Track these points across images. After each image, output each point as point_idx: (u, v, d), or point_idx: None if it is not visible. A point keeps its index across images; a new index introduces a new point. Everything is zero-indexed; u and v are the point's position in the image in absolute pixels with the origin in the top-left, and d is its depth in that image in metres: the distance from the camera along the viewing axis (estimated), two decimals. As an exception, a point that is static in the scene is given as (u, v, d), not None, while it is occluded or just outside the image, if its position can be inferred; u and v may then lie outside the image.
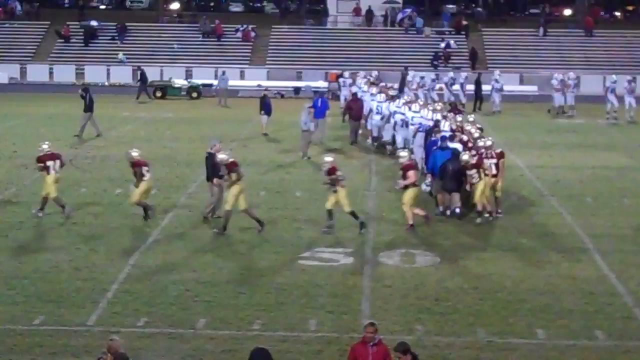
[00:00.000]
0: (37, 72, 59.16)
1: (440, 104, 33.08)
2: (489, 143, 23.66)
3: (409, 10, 66.78)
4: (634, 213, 24.36)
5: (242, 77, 58.52)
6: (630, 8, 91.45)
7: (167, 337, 15.31)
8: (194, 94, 51.00)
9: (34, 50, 62.68)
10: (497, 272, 19.01)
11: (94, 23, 64.58)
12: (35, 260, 19.44)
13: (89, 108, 35.84)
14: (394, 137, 31.73)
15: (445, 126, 26.65)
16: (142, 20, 68.16)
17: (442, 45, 61.32)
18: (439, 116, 28.44)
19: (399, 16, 65.84)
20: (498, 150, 23.72)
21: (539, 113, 45.56)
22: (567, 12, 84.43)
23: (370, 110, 34.01)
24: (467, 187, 23.16)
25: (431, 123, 27.99)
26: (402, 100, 32.52)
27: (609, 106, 43.12)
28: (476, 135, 25.06)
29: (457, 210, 23.14)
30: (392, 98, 33.70)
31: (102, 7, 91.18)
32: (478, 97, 46.09)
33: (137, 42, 63.93)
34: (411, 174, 21.86)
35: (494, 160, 23.31)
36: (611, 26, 69.05)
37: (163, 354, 14.68)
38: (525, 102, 49.47)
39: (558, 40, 63.45)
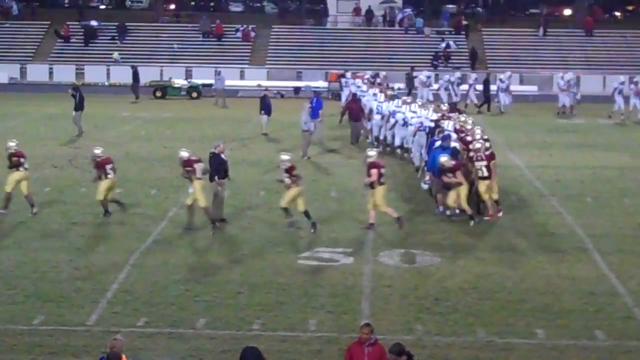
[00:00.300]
0: (37, 72, 59.14)
1: (445, 104, 33.08)
2: (477, 146, 23.43)
3: (408, 10, 66.78)
4: (634, 213, 24.36)
5: (242, 77, 58.50)
6: (630, 8, 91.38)
7: (167, 337, 15.32)
8: (194, 94, 51.02)
9: (33, 50, 62.65)
10: (497, 272, 19.02)
11: (94, 23, 64.55)
12: (35, 260, 19.45)
13: (79, 106, 35.97)
14: (393, 136, 31.79)
15: (449, 126, 26.65)
16: (142, 20, 68.12)
17: (443, 45, 61.31)
18: (434, 116, 28.45)
19: (399, 16, 65.83)
20: (488, 152, 23.51)
21: (539, 113, 45.56)
22: (567, 12, 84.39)
23: (371, 110, 34.04)
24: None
25: (430, 123, 28.02)
26: (400, 100, 32.55)
27: (616, 107, 42.98)
28: (478, 136, 24.99)
29: (458, 210, 23.13)
30: (391, 98, 33.73)
31: (102, 7, 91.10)
32: (486, 97, 45.97)
33: (137, 42, 63.92)
34: (373, 172, 21.87)
35: (484, 163, 23.14)
36: (611, 26, 68.98)
37: (163, 354, 14.69)
38: (525, 102, 49.45)
39: (558, 40, 63.43)
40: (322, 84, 53.18)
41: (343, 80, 46.17)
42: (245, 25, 64.42)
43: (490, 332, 15.70)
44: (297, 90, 52.18)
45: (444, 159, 22.72)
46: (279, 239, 21.38)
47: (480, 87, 46.49)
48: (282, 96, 50.68)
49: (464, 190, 22.50)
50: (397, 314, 16.55)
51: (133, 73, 49.81)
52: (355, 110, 35.06)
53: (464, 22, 65.27)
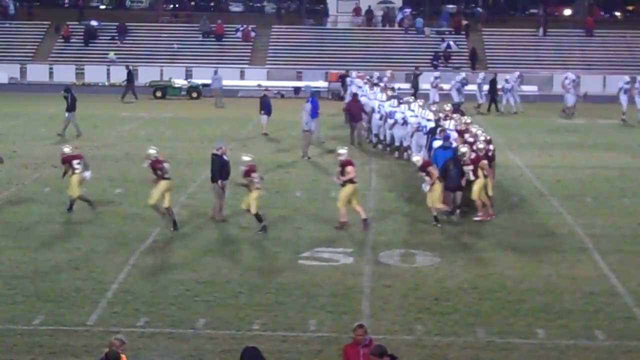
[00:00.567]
0: (37, 72, 59.12)
1: (449, 105, 33.04)
2: (463, 150, 23.45)
3: (408, 11, 66.77)
4: (634, 213, 24.36)
5: (242, 77, 58.49)
6: (630, 8, 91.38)
7: (167, 337, 15.32)
8: (194, 94, 51.01)
9: (34, 50, 62.64)
10: (497, 272, 19.02)
11: (94, 23, 64.51)
12: (35, 260, 19.45)
13: (71, 107, 36.06)
14: (392, 136, 31.80)
15: (450, 126, 26.64)
16: (142, 20, 68.11)
17: (444, 45, 61.29)
18: (431, 116, 28.44)
19: (399, 16, 65.82)
20: (473, 156, 23.24)
21: (539, 113, 45.55)
22: (567, 12, 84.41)
23: (372, 110, 34.04)
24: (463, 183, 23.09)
25: (428, 123, 28.03)
26: (396, 100, 32.54)
27: (624, 108, 42.80)
28: (482, 137, 24.96)
29: (458, 210, 23.14)
30: (390, 98, 33.71)
31: (102, 7, 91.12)
32: (492, 98, 45.90)
33: (137, 42, 63.91)
34: (349, 169, 21.84)
35: (471, 167, 23.07)
36: (611, 26, 68.97)
37: (163, 354, 14.69)
38: (525, 102, 49.39)
39: (558, 40, 63.40)
40: (322, 84, 53.20)
41: (348, 79, 46.10)
42: (245, 25, 64.40)
43: (490, 332, 15.70)
44: (297, 90, 52.19)
45: (415, 158, 23.01)
46: (279, 239, 21.38)
47: (487, 87, 46.45)
48: (282, 96, 50.67)
49: (438, 188, 22.31)
50: (397, 314, 16.55)
51: (127, 73, 49.68)
52: (355, 111, 35.04)
53: (464, 22, 65.25)
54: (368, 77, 44.44)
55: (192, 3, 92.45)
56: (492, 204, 23.50)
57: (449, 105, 32.83)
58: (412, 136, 29.30)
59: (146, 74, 55.79)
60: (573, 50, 62.33)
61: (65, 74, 57.59)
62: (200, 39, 63.72)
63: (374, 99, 34.77)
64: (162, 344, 15.07)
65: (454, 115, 28.93)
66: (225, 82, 49.35)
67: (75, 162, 23.10)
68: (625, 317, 16.56)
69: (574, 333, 15.76)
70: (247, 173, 21.62)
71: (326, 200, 25.10)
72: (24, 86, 56.24)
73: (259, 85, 49.73)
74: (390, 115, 31.69)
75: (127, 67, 50.93)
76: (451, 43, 61.65)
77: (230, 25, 64.46)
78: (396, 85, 44.82)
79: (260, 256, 20.04)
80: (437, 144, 24.81)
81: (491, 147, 24.80)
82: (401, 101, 32.43)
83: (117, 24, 64.27)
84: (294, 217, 23.35)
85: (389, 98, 33.54)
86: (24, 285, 17.77)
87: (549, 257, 20.12)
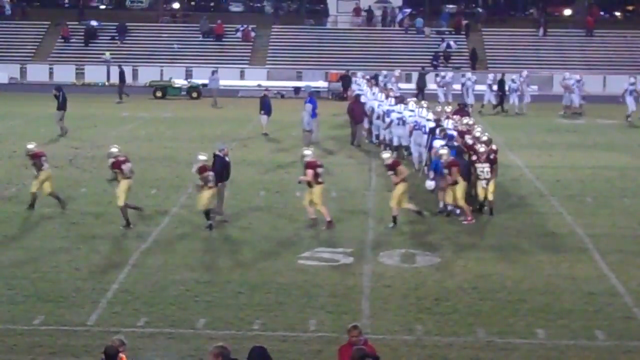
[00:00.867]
0: (37, 72, 59.14)
1: (449, 106, 33.04)
2: (441, 152, 23.30)
3: (408, 11, 66.78)
4: (634, 213, 24.35)
5: (242, 77, 58.51)
6: (630, 8, 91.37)
7: (167, 337, 15.32)
8: (194, 94, 51.00)
9: (34, 50, 62.66)
10: (497, 272, 19.01)
11: (94, 23, 64.53)
12: (35, 260, 19.45)
13: (62, 106, 36.16)
14: (391, 136, 31.82)
15: (449, 126, 26.63)
16: (142, 20, 68.13)
17: (444, 45, 61.29)
18: (430, 116, 28.43)
19: (399, 16, 65.83)
20: (451, 158, 23.10)
21: (539, 113, 45.52)
22: (567, 12, 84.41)
23: (372, 111, 34.04)
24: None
25: (427, 123, 28.01)
26: (393, 99, 32.54)
27: (630, 109, 42.67)
28: (484, 138, 24.92)
29: (458, 210, 23.14)
30: (388, 97, 33.73)
31: (102, 7, 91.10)
32: (500, 98, 45.82)
33: (137, 42, 63.91)
34: (309, 172, 21.95)
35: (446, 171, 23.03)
36: (611, 26, 68.99)
37: (163, 354, 14.69)
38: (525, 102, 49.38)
39: (558, 40, 63.41)
40: (322, 84, 53.20)
41: (354, 79, 46.02)
42: (245, 25, 64.40)
43: (490, 332, 15.70)
44: (297, 90, 52.15)
45: (384, 155, 22.97)
46: (279, 239, 21.38)
47: (495, 87, 46.40)
48: (282, 96, 50.67)
49: (400, 188, 22.34)
50: (397, 314, 16.55)
51: (120, 74, 49.57)
52: (356, 111, 34.97)
53: (464, 22, 65.26)
54: (368, 76, 44.52)
55: (192, 3, 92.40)
56: (493, 206, 23.53)
57: (449, 106, 32.84)
58: (410, 136, 29.27)
59: (146, 74, 55.81)
60: (573, 50, 62.34)
61: (65, 74, 57.60)
62: (200, 39, 63.74)
63: (373, 99, 34.79)
64: (162, 344, 15.07)
65: (455, 117, 28.94)
66: (226, 82, 49.35)
67: (43, 158, 23.51)
68: (625, 317, 16.56)
69: (574, 333, 15.76)
70: (201, 171, 21.66)
71: (326, 200, 25.05)
72: (24, 86, 56.25)
73: (259, 85, 49.74)
74: (387, 114, 31.69)
75: (119, 66, 50.83)
76: (451, 43, 61.67)
77: (230, 25, 64.46)
78: (400, 85, 44.88)
79: (260, 256, 20.04)
80: (437, 143, 24.80)
81: (494, 146, 24.74)
82: (397, 99, 32.42)
83: (117, 24, 64.29)
84: (294, 217, 23.33)
85: (387, 97, 33.55)
86: (24, 285, 17.77)
87: (549, 257, 20.12)
